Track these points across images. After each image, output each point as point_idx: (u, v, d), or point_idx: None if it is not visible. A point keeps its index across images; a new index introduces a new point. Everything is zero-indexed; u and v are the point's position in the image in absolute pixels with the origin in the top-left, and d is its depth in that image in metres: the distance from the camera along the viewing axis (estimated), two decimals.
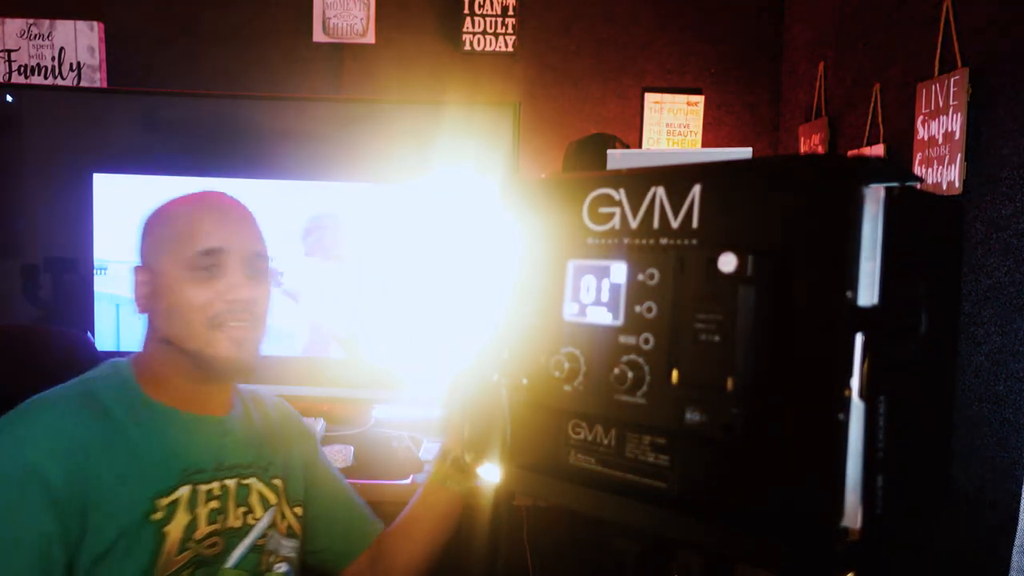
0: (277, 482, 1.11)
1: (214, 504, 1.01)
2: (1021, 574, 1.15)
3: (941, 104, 1.44)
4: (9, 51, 2.27)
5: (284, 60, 2.36)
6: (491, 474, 0.64)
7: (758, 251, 0.47)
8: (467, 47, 2.36)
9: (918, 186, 0.48)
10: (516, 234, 0.61)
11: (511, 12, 2.35)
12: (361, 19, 2.34)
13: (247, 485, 1.06)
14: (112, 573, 0.91)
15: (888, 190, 0.46)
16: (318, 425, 1.97)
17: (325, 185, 2.02)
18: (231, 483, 1.04)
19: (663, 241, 0.52)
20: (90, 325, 1.98)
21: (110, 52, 2.32)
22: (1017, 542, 1.16)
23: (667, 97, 2.41)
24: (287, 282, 2.03)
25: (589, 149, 2.32)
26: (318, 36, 2.35)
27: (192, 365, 1.02)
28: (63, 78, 2.28)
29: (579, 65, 2.43)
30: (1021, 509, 1.16)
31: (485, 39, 2.36)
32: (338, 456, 1.79)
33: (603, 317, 0.54)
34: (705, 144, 2.42)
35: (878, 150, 1.72)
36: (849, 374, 0.45)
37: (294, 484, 1.14)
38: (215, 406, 1.08)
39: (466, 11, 2.35)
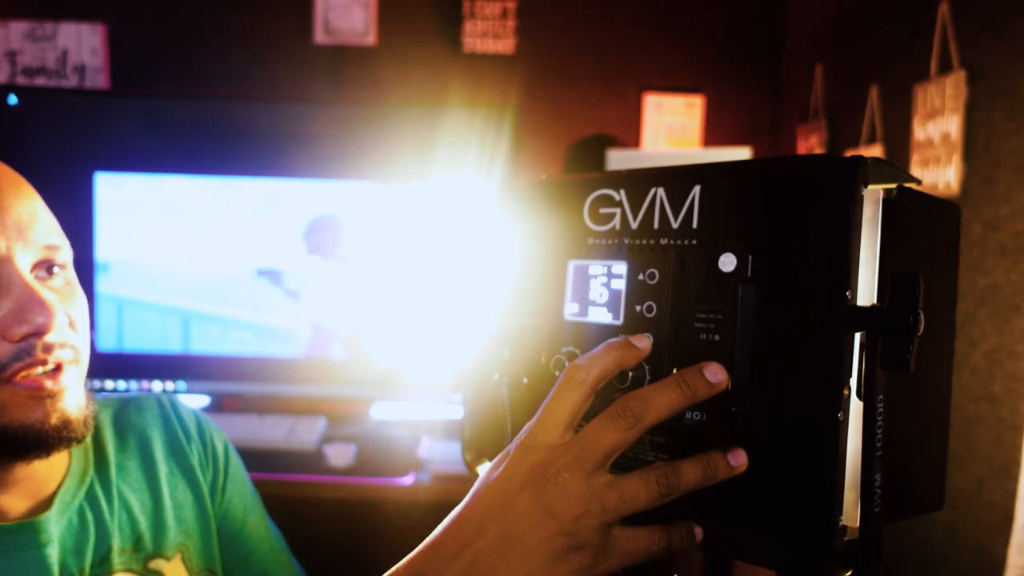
0: (160, 563, 0.77)
1: None
2: (1018, 572, 1.15)
3: (938, 105, 1.45)
4: (13, 52, 2.28)
5: (285, 61, 2.37)
6: None
7: (757, 251, 0.48)
8: (467, 49, 2.37)
9: (915, 187, 0.49)
10: (517, 235, 0.61)
11: (511, 15, 2.36)
12: (362, 21, 2.35)
13: None
14: None
15: (886, 191, 0.47)
16: (320, 424, 1.97)
17: (326, 184, 2.03)
18: None
19: (663, 241, 0.52)
20: (92, 325, 1.99)
21: (113, 54, 2.33)
22: (1014, 541, 1.17)
23: (666, 98, 2.42)
24: (289, 281, 2.03)
25: (589, 150, 2.32)
26: (319, 37, 2.35)
27: None
28: (67, 79, 2.29)
29: (579, 67, 2.43)
30: (1017, 508, 1.17)
31: (485, 41, 2.36)
32: (340, 454, 1.79)
33: (603, 317, 0.55)
34: (705, 144, 2.43)
35: (876, 151, 1.73)
36: (848, 374, 0.45)
37: (204, 545, 0.82)
38: (18, 504, 0.70)
39: (466, 13, 2.35)
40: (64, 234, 0.75)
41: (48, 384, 0.66)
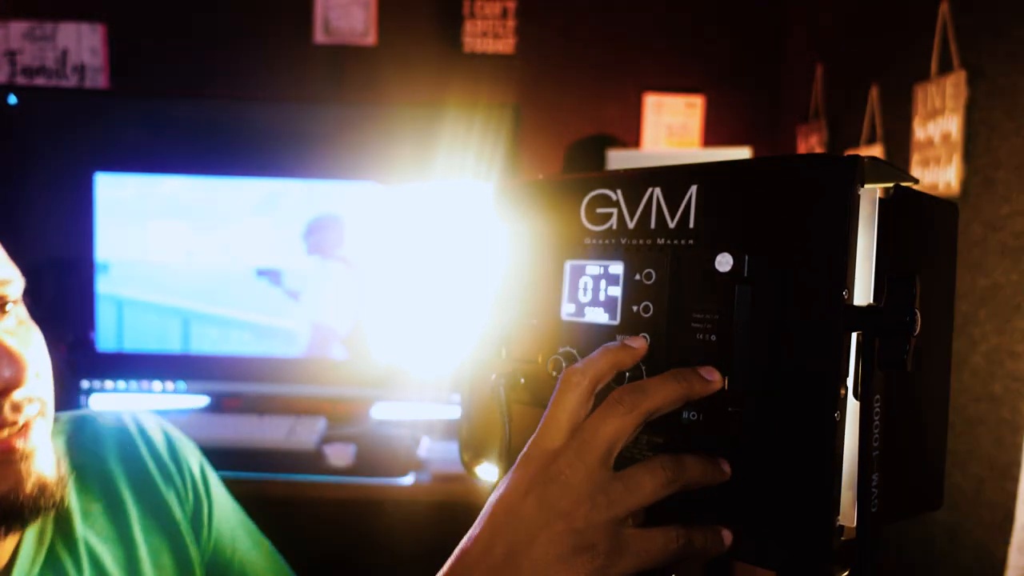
0: None
1: None
2: (1019, 573, 1.15)
3: (938, 105, 1.44)
4: (13, 52, 2.28)
5: (285, 61, 2.37)
6: (489, 474, 0.64)
7: (754, 251, 0.48)
8: (467, 49, 2.37)
9: (913, 186, 0.49)
10: (514, 235, 0.61)
11: (511, 15, 2.36)
12: (362, 21, 2.35)
13: None
14: None
15: (883, 190, 0.47)
16: (319, 424, 1.97)
17: (326, 185, 2.03)
18: None
19: (660, 241, 0.52)
20: (92, 325, 1.99)
21: (113, 53, 2.33)
22: (1014, 541, 1.17)
23: (666, 98, 2.42)
24: (289, 281, 2.03)
25: (589, 150, 2.32)
26: (319, 37, 2.35)
27: None
28: (66, 79, 2.29)
29: (579, 66, 2.43)
30: (1017, 508, 1.17)
31: (485, 41, 2.36)
32: (340, 454, 1.79)
33: (600, 317, 0.55)
34: (705, 145, 2.43)
35: (876, 151, 1.73)
36: (845, 373, 0.45)
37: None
38: None
39: (466, 13, 2.35)
40: (13, 263, 0.64)
41: (19, 444, 0.57)
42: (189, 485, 0.75)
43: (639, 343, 0.51)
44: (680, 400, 0.48)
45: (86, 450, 0.71)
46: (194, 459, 0.78)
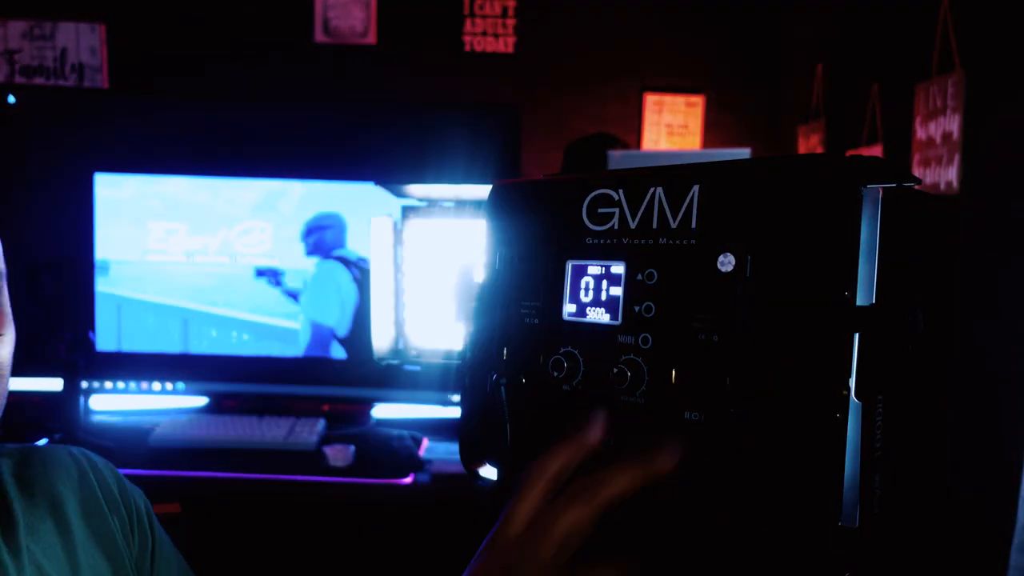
0: None
1: None
2: (1019, 572, 1.15)
3: (939, 105, 1.44)
4: (12, 52, 2.28)
5: (285, 60, 2.37)
6: (489, 474, 0.64)
7: (756, 251, 0.48)
8: (468, 48, 2.37)
9: (915, 187, 0.49)
10: (515, 234, 0.61)
11: (511, 13, 2.36)
12: (362, 20, 2.35)
13: None
14: None
15: (885, 190, 0.47)
16: (319, 424, 1.97)
17: (326, 185, 2.03)
18: None
19: (662, 241, 0.52)
20: (91, 325, 1.99)
21: (112, 53, 2.33)
22: (1015, 541, 1.17)
23: (667, 98, 2.42)
24: (289, 281, 2.03)
25: (589, 149, 2.32)
26: (319, 37, 2.35)
27: None
28: (65, 79, 2.29)
29: (579, 66, 2.43)
30: (1019, 507, 1.17)
31: (485, 40, 2.36)
32: (339, 455, 1.79)
33: (602, 317, 0.55)
34: (705, 144, 2.43)
35: (876, 151, 1.72)
36: (847, 373, 0.45)
37: None
38: None
39: (466, 12, 2.35)
40: None
41: None
42: (135, 520, 0.75)
43: (594, 434, 0.51)
44: (643, 483, 0.48)
45: (36, 471, 0.70)
46: (140, 498, 0.77)
